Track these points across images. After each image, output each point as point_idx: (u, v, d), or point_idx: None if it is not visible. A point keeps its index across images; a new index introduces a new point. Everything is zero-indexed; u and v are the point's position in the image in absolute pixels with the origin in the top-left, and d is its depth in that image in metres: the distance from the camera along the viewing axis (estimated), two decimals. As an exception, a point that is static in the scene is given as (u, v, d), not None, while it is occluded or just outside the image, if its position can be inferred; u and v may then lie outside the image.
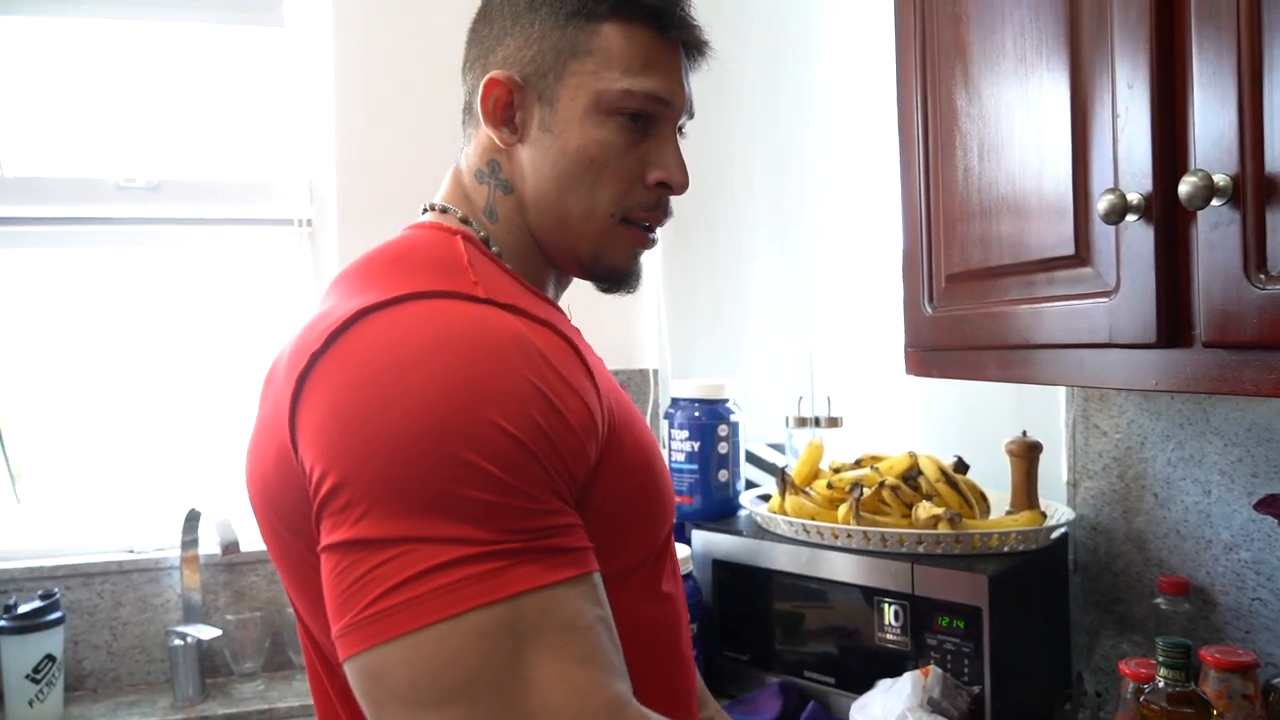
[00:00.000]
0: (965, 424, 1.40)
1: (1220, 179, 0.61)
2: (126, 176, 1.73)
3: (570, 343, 0.62)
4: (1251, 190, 0.60)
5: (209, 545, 1.61)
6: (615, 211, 0.72)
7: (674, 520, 0.76)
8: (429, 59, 1.84)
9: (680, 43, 0.74)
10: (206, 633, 1.55)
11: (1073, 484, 1.25)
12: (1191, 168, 0.64)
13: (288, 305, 1.81)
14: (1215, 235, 0.63)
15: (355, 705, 0.62)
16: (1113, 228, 0.72)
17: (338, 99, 1.81)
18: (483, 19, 0.75)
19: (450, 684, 0.49)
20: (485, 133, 0.73)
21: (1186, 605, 1.04)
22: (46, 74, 1.75)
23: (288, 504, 0.58)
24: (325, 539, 0.53)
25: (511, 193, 0.73)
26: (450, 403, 0.52)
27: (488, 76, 0.71)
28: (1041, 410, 1.28)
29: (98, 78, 1.77)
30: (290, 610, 1.69)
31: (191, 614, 1.62)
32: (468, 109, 0.77)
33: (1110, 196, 0.69)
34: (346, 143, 1.81)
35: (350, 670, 0.51)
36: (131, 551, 1.67)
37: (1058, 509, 1.20)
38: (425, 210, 0.77)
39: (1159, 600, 1.06)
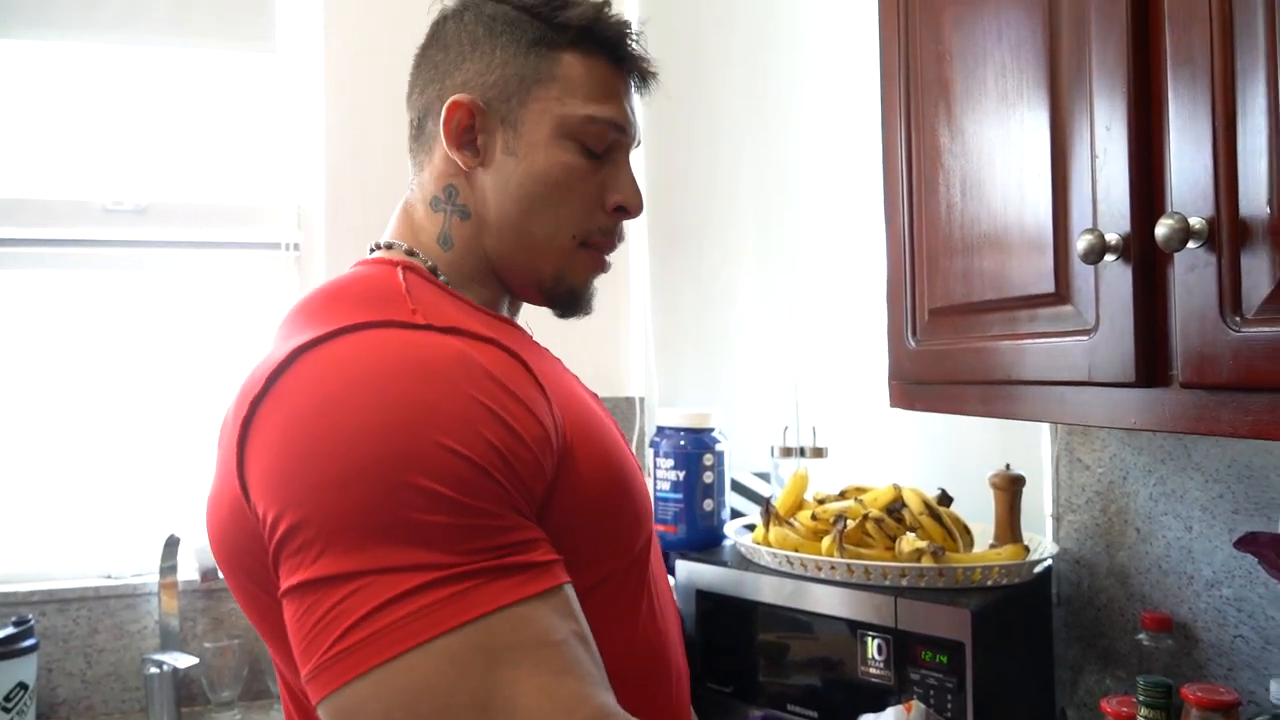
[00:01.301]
0: (950, 456, 1.41)
1: (1196, 222, 0.62)
2: (114, 199, 1.74)
3: (517, 357, 0.61)
4: (1226, 233, 0.61)
5: (188, 572, 1.59)
6: (578, 234, 0.74)
7: (650, 532, 0.74)
8: (420, 86, 1.86)
9: (630, 73, 0.77)
10: (183, 661, 1.52)
11: (1056, 517, 1.25)
12: (1168, 210, 0.64)
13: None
14: (1191, 277, 0.63)
15: None
16: (1092, 267, 0.73)
17: (327, 124, 1.82)
18: (435, 44, 0.76)
19: (426, 713, 0.47)
20: (442, 157, 0.74)
21: (1169, 641, 1.04)
22: (35, 96, 1.75)
23: (244, 551, 0.58)
24: (284, 583, 0.52)
25: (469, 217, 0.73)
26: (391, 428, 0.52)
27: (451, 99, 0.71)
28: (1025, 443, 1.28)
29: (87, 100, 1.77)
30: (269, 638, 1.67)
31: (169, 641, 1.59)
32: (416, 136, 0.77)
33: (1089, 236, 0.69)
34: (335, 167, 1.82)
35: (324, 713, 0.50)
36: (109, 577, 1.65)
37: (1041, 542, 1.20)
38: (372, 250, 0.76)
39: (1142, 636, 1.05)
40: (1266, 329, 0.58)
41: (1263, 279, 0.59)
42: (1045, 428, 1.26)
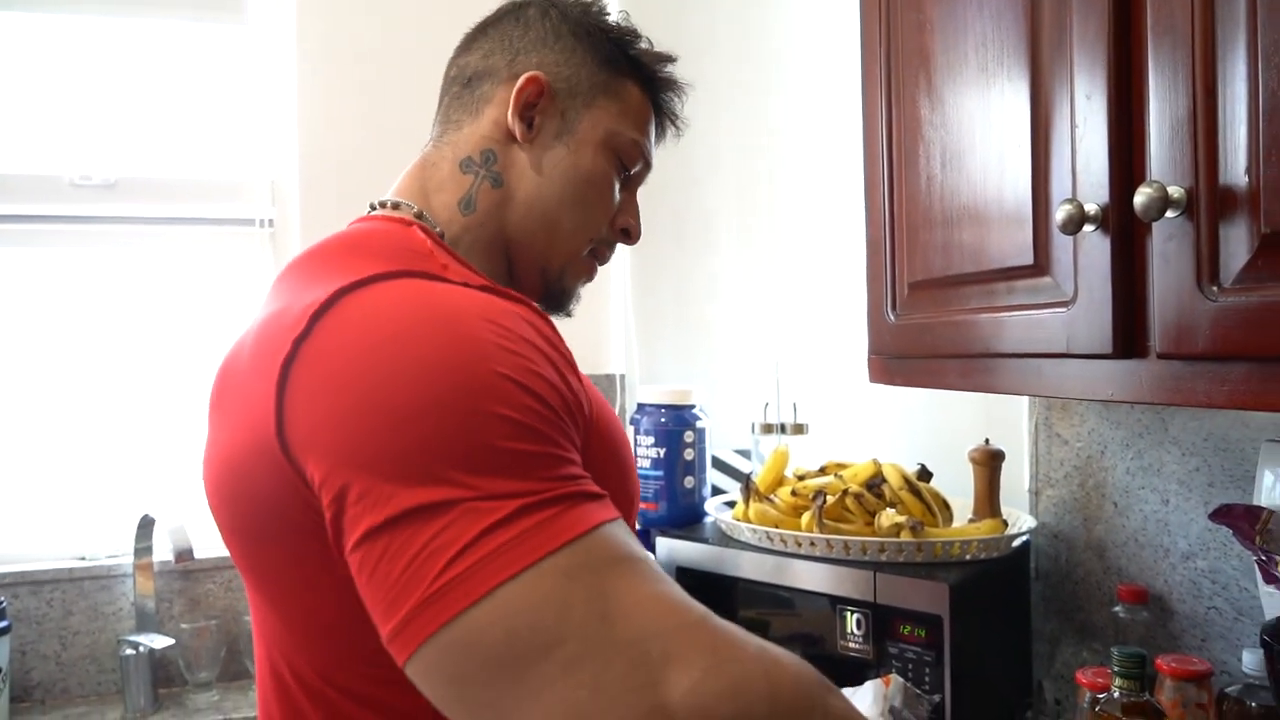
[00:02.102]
0: (930, 431, 1.41)
1: (1175, 191, 0.61)
2: (82, 174, 1.70)
3: (549, 321, 0.62)
4: (1205, 202, 0.60)
5: (163, 552, 1.57)
6: (594, 237, 0.79)
7: (636, 515, 0.75)
8: (393, 56, 1.83)
9: (665, 124, 0.85)
10: (159, 642, 1.51)
11: (1035, 492, 1.25)
12: (1147, 179, 0.64)
13: (249, 306, 1.78)
14: (1170, 247, 0.63)
15: (336, 712, 0.60)
16: (1070, 238, 0.72)
17: (300, 97, 1.78)
18: (513, 21, 0.78)
19: (550, 626, 0.47)
20: (491, 121, 0.74)
21: (1145, 613, 1.05)
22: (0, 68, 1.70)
23: (272, 508, 0.55)
24: (358, 529, 0.49)
25: (500, 186, 0.74)
26: (459, 363, 0.51)
27: (531, 72, 0.74)
28: (1005, 418, 1.28)
29: (54, 72, 1.72)
30: (247, 619, 1.66)
31: (145, 623, 1.58)
32: (459, 95, 0.77)
33: (1068, 206, 0.69)
34: (309, 142, 1.78)
35: (427, 656, 0.47)
36: (83, 559, 1.63)
37: (1019, 517, 1.21)
38: (373, 208, 0.75)
39: (1118, 609, 1.06)
40: (1243, 298, 0.58)
41: (1240, 248, 0.58)
42: (1025, 402, 1.26)
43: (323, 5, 1.79)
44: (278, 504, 0.54)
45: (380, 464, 0.49)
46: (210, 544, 1.65)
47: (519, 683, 0.46)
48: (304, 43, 1.78)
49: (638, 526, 1.47)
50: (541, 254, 0.76)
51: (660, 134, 0.85)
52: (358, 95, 1.80)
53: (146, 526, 1.57)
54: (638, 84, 0.79)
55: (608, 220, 0.79)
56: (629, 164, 0.79)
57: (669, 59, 0.82)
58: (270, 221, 1.79)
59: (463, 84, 0.77)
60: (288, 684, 0.63)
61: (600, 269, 0.83)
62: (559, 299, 0.80)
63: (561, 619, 0.47)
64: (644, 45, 0.80)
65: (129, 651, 1.51)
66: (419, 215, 0.72)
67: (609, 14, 0.80)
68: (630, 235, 0.83)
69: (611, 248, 0.83)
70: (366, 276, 0.56)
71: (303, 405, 0.52)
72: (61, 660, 1.60)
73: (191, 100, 1.80)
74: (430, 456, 0.49)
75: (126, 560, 1.61)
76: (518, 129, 0.74)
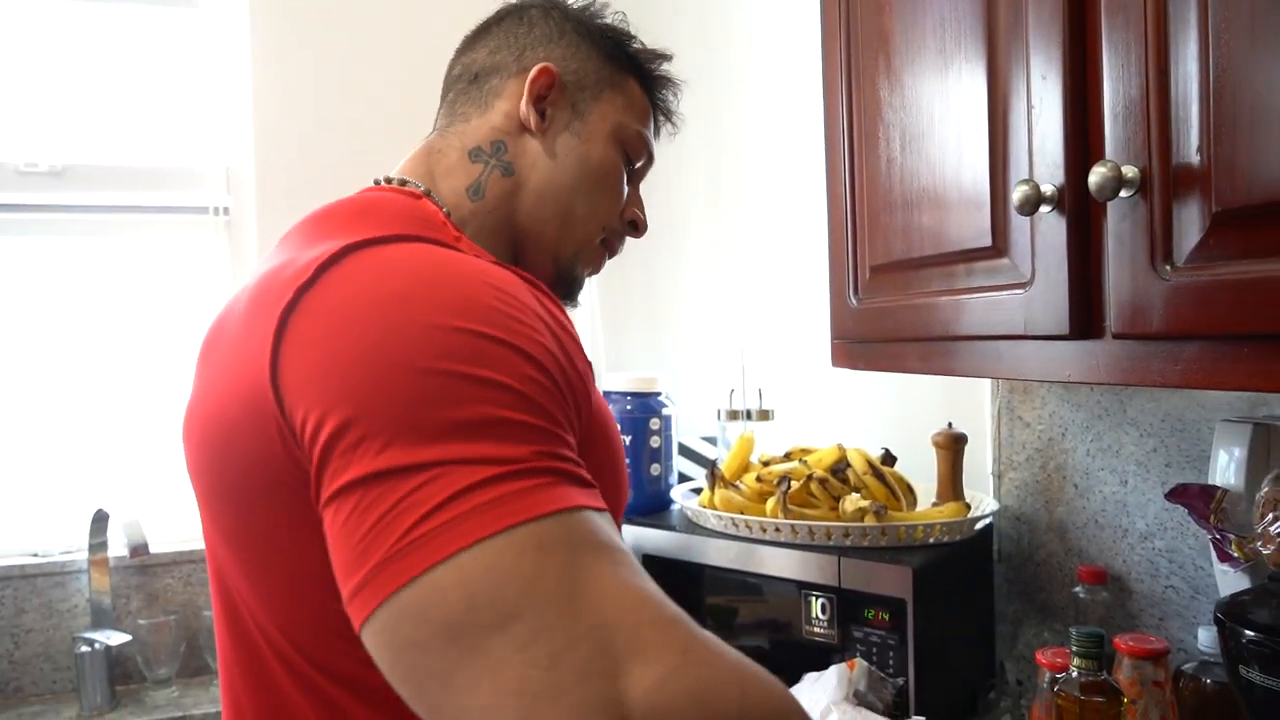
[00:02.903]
0: (895, 416, 1.41)
1: (1129, 170, 0.61)
2: (28, 160, 1.64)
3: (556, 301, 0.62)
4: (1159, 182, 0.60)
5: (118, 547, 1.53)
6: (606, 225, 0.80)
7: (622, 511, 0.74)
8: (350, 40, 1.79)
9: (660, 120, 0.87)
10: (116, 638, 1.48)
11: (998, 475, 1.26)
12: (1103, 159, 0.64)
13: (204, 297, 1.74)
14: (1124, 226, 0.63)
15: (310, 687, 0.58)
16: (1028, 219, 0.72)
17: (255, 82, 1.74)
18: (516, 19, 0.80)
19: (511, 599, 0.44)
20: (502, 114, 0.76)
21: (1104, 594, 1.06)
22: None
23: (259, 462, 0.53)
24: (335, 482, 0.48)
25: (511, 175, 0.75)
26: (466, 327, 0.50)
27: (542, 64, 0.75)
28: (968, 402, 1.29)
29: (-3, 55, 1.67)
30: (208, 614, 1.62)
31: (101, 619, 1.54)
32: (466, 90, 0.78)
33: (1024, 187, 0.68)
34: (264, 128, 1.74)
35: (383, 620, 0.45)
36: (35, 555, 1.59)
37: (982, 500, 1.22)
38: (377, 183, 0.74)
39: (1078, 589, 1.07)
40: (1195, 276, 0.58)
41: (1193, 227, 0.59)
42: (987, 386, 1.27)
43: (277, -13, 1.75)
44: (265, 457, 0.53)
45: (370, 417, 0.48)
46: (167, 538, 1.62)
47: (473, 653, 0.44)
48: (257, 27, 1.74)
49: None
50: (554, 241, 0.77)
51: (657, 130, 0.87)
52: (313, 81, 1.77)
53: (101, 521, 1.53)
54: (637, 80, 0.82)
55: (618, 210, 0.81)
56: (635, 157, 0.82)
57: (665, 57, 0.85)
58: (225, 210, 1.75)
59: (469, 80, 0.79)
60: (267, 664, 0.61)
61: (642, 219, 0.85)
62: (569, 286, 0.81)
63: (526, 592, 0.44)
64: (639, 44, 0.83)
65: (84, 649, 1.48)
66: (426, 193, 0.72)
67: (606, 15, 0.82)
68: (638, 227, 0.85)
69: (621, 239, 0.84)
70: (380, 235, 0.55)
71: (300, 351, 0.51)
72: (14, 659, 1.56)
73: (143, 85, 1.74)
74: (421, 415, 0.47)
75: (81, 556, 1.57)
76: (532, 119, 0.75)
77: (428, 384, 0.48)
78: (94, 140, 1.71)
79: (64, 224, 1.68)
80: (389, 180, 0.74)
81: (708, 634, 0.48)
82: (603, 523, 0.50)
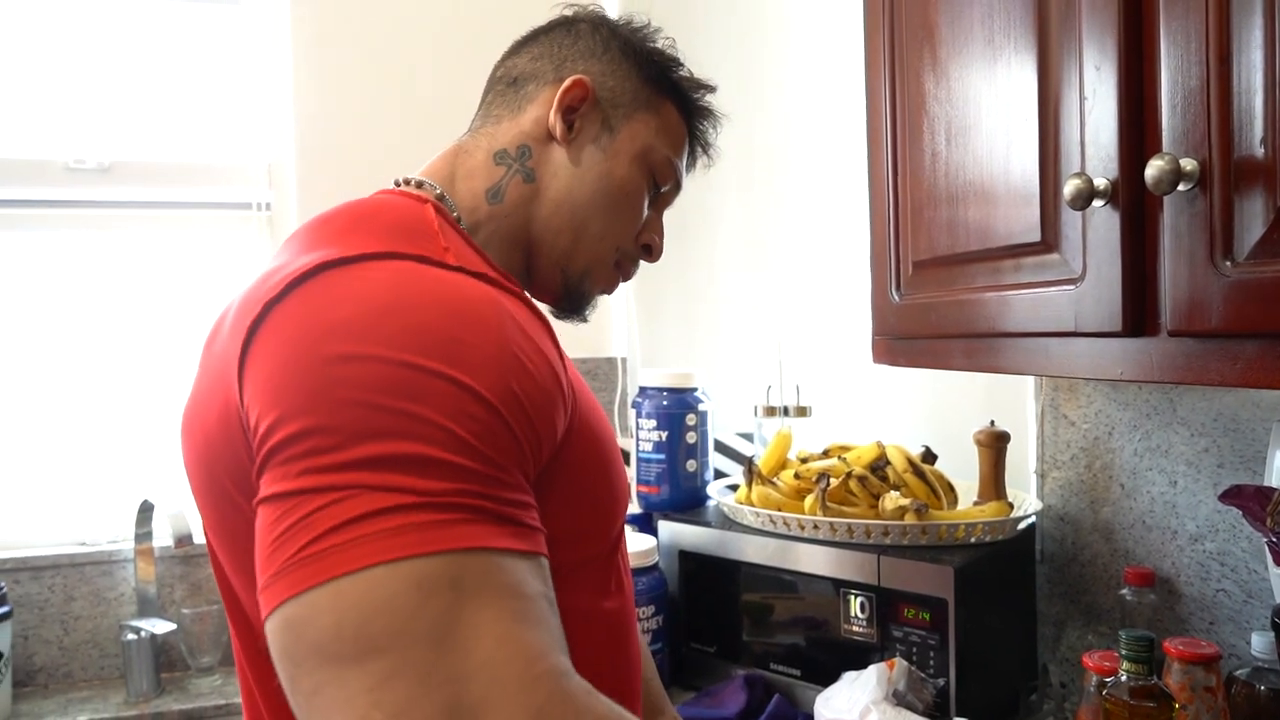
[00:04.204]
0: (935, 413, 1.39)
1: (1187, 163, 0.59)
2: (76, 157, 1.68)
3: (540, 315, 0.61)
4: (1219, 175, 0.59)
5: (163, 537, 1.57)
6: (619, 247, 0.79)
7: (626, 516, 0.74)
8: (388, 36, 1.81)
9: (696, 151, 0.86)
10: (161, 627, 1.51)
11: (1041, 474, 1.24)
12: (1159, 152, 0.62)
13: (247, 291, 1.76)
14: (1182, 221, 0.61)
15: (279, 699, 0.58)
16: (1079, 214, 0.70)
17: (295, 79, 1.76)
18: (564, 31, 0.80)
19: (377, 634, 0.44)
20: (532, 119, 0.76)
21: (1151, 596, 1.04)
22: (-8, 50, 1.68)
23: (230, 463, 0.54)
24: (265, 490, 0.49)
25: (531, 181, 0.75)
26: (419, 360, 0.50)
27: (578, 76, 0.76)
28: (1011, 400, 1.27)
29: (47, 55, 1.71)
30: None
31: (147, 607, 1.58)
32: (503, 93, 0.79)
33: (1076, 181, 0.67)
34: (305, 124, 1.76)
35: (272, 627, 0.47)
36: (84, 544, 1.63)
37: (1025, 499, 1.19)
38: (397, 184, 0.74)
39: (1124, 591, 1.05)
40: (1258, 272, 0.56)
41: (1255, 221, 0.57)
42: (1031, 383, 1.24)
43: (317, -15, 1.77)
44: (235, 460, 0.54)
45: (302, 438, 0.48)
46: (211, 529, 1.65)
47: (332, 683, 0.44)
48: (298, 23, 1.76)
49: (639, 510, 1.48)
50: (565, 253, 0.76)
51: (692, 161, 0.87)
52: (353, 76, 1.78)
53: (146, 512, 1.57)
54: (676, 107, 0.82)
55: (634, 231, 0.80)
56: (661, 181, 0.81)
57: (709, 88, 0.85)
58: (267, 205, 1.77)
59: (508, 83, 0.79)
60: (261, 649, 0.61)
61: (657, 244, 0.85)
62: (577, 301, 0.80)
63: (392, 628, 0.44)
64: (685, 72, 0.83)
65: (131, 636, 1.51)
66: (440, 197, 0.72)
67: (657, 39, 0.82)
68: (652, 252, 0.84)
69: (635, 263, 0.83)
70: (355, 254, 0.55)
71: (258, 364, 0.52)
72: (64, 645, 1.60)
73: (187, 83, 1.77)
74: (354, 438, 0.47)
75: (127, 545, 1.61)
76: (558, 128, 0.75)
77: (356, 414, 0.48)
78: (140, 137, 1.75)
79: (110, 219, 1.71)
80: (407, 181, 0.74)
81: (582, 694, 0.48)
82: (511, 567, 0.49)
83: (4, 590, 1.50)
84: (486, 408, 0.50)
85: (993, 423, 1.19)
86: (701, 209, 1.83)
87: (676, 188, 0.84)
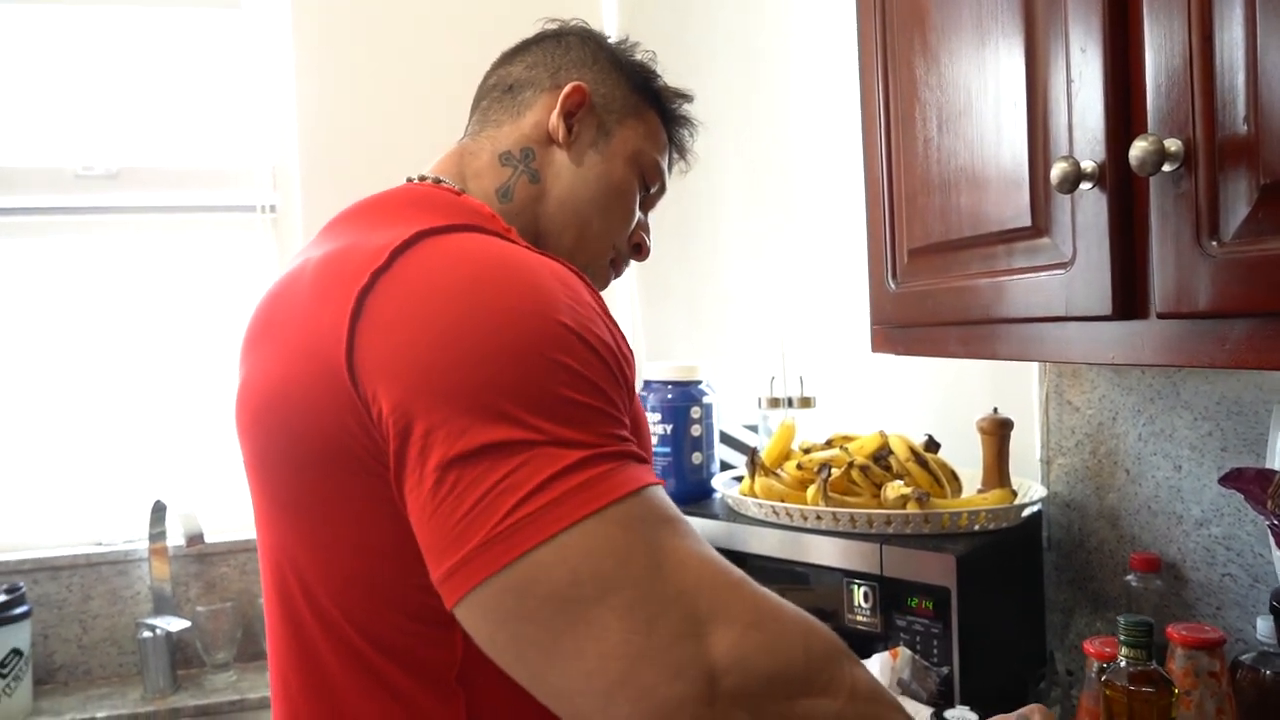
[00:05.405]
0: (941, 402, 1.39)
1: (1172, 144, 0.59)
2: (85, 164, 1.70)
3: (597, 292, 0.64)
4: (1203, 154, 0.58)
5: (176, 537, 1.59)
6: (616, 244, 0.84)
7: None
8: (389, 38, 1.81)
9: (675, 157, 0.91)
10: (175, 624, 1.53)
11: (1046, 461, 1.23)
12: (1145, 133, 0.61)
13: (253, 292, 1.78)
14: (1168, 202, 0.61)
15: (358, 661, 0.60)
16: (1068, 197, 0.70)
17: (298, 82, 1.78)
18: (555, 43, 0.84)
19: (610, 573, 0.49)
20: (533, 124, 0.80)
21: (1158, 582, 1.03)
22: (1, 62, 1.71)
23: (329, 438, 0.55)
24: (425, 463, 0.51)
25: (537, 182, 0.79)
26: (533, 310, 0.54)
27: (577, 82, 0.80)
28: (1015, 387, 1.26)
29: (53, 64, 1.73)
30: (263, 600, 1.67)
31: (162, 606, 1.60)
32: (501, 98, 0.82)
33: (1063, 164, 0.66)
34: (309, 126, 1.78)
35: (485, 594, 0.49)
36: (100, 545, 1.65)
37: (1030, 487, 1.19)
38: (410, 181, 0.76)
39: (1130, 577, 1.04)
40: (1243, 252, 0.56)
41: (1240, 201, 0.56)
42: (1035, 370, 1.24)
43: (315, -14, 1.78)
44: (336, 433, 0.55)
45: (455, 398, 0.51)
46: (222, 528, 1.67)
47: (578, 622, 0.49)
48: (300, 27, 1.77)
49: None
50: (568, 251, 0.80)
51: (670, 163, 0.92)
52: (355, 78, 1.79)
53: (159, 512, 1.59)
54: (657, 114, 0.86)
55: (628, 230, 0.85)
56: (650, 182, 0.86)
57: (687, 97, 0.89)
58: (272, 207, 1.79)
59: (504, 90, 0.83)
60: (313, 640, 0.62)
61: (647, 244, 0.89)
62: None
63: (621, 566, 0.49)
64: (663, 82, 0.88)
65: (147, 634, 1.54)
66: (461, 192, 0.74)
67: (637, 53, 0.88)
68: (642, 251, 0.88)
69: (626, 262, 0.88)
70: (446, 224, 0.59)
71: (378, 334, 0.54)
72: (83, 643, 1.62)
73: (190, 88, 1.79)
74: (503, 396, 0.51)
75: (142, 545, 1.63)
76: (560, 132, 0.79)
77: (507, 367, 0.52)
78: (146, 143, 1.77)
79: (119, 224, 1.74)
80: (423, 178, 0.76)
81: (767, 591, 0.54)
82: (664, 498, 0.55)
83: (23, 590, 1.53)
84: (600, 359, 0.55)
85: (995, 410, 1.18)
86: (704, 203, 1.83)
87: (662, 189, 0.89)
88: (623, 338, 0.61)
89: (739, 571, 0.54)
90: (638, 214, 0.86)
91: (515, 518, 0.49)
